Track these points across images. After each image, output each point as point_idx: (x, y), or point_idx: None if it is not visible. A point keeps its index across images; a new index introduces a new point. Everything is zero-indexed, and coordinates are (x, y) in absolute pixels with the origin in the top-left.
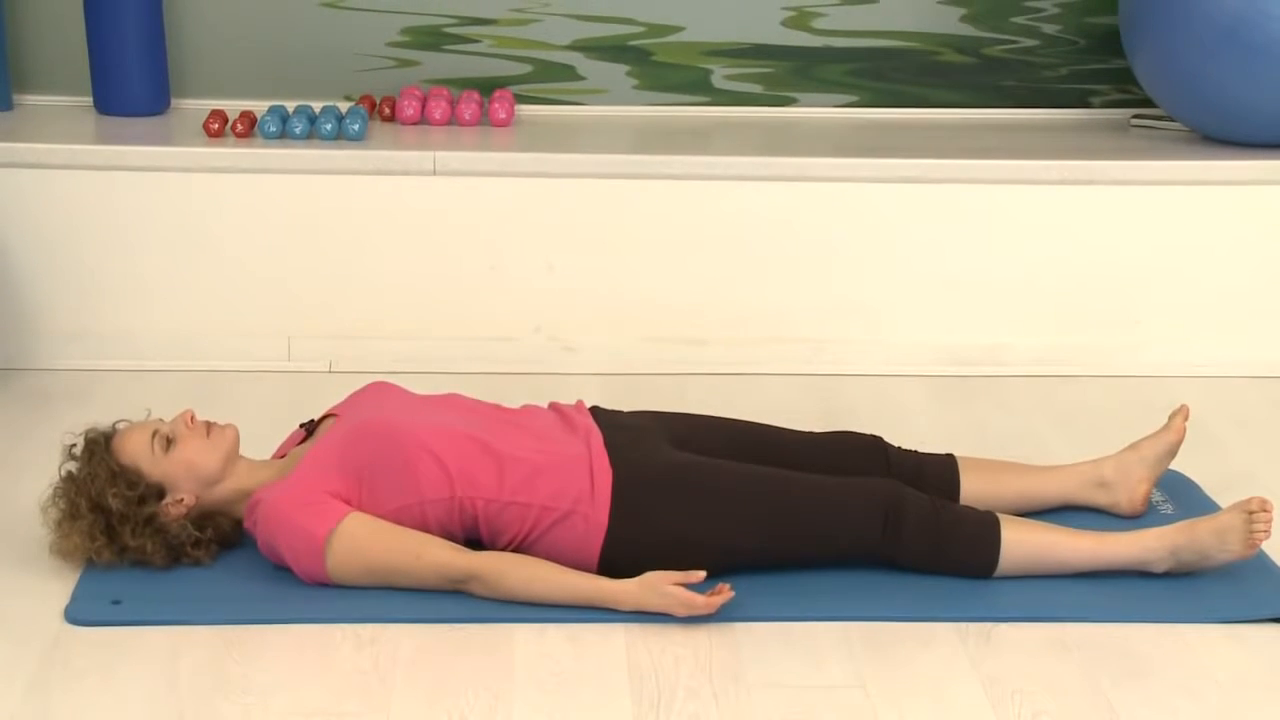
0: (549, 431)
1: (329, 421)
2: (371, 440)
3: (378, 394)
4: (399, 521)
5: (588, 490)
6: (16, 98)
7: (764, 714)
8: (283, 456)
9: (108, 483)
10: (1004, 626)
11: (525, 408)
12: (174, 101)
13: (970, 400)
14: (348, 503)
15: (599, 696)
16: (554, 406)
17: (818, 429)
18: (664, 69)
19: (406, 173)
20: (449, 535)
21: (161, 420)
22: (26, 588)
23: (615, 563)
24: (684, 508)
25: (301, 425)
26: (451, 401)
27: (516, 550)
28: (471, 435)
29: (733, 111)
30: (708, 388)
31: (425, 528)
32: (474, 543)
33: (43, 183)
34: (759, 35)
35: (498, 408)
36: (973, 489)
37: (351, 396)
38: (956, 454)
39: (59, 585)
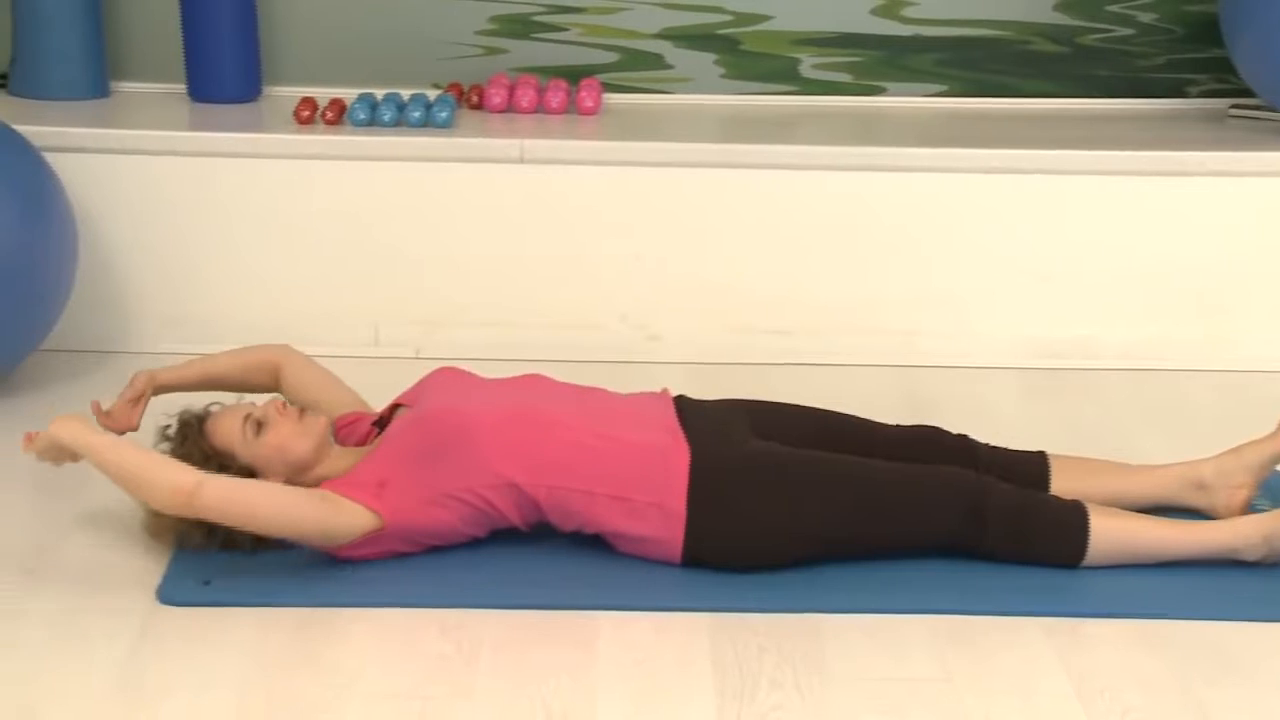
0: (628, 417)
1: (400, 411)
2: (434, 427)
3: (445, 380)
4: (461, 507)
5: (665, 479)
6: (113, 85)
7: (848, 706)
8: (361, 444)
9: (200, 465)
10: (1092, 621)
11: (607, 393)
12: (265, 89)
13: (1060, 394)
14: (402, 491)
15: (682, 686)
16: (637, 393)
17: (904, 422)
18: (752, 58)
19: (493, 160)
20: (510, 522)
21: (253, 404)
22: (122, 566)
23: (701, 553)
24: (768, 497)
25: (373, 424)
26: (528, 383)
27: (598, 536)
28: (541, 420)
29: (820, 101)
30: (792, 378)
31: (488, 514)
32: (545, 529)
33: (137, 169)
34: (848, 24)
35: (579, 390)
36: (1063, 488)
37: (418, 384)
38: (1047, 451)
39: (152, 564)
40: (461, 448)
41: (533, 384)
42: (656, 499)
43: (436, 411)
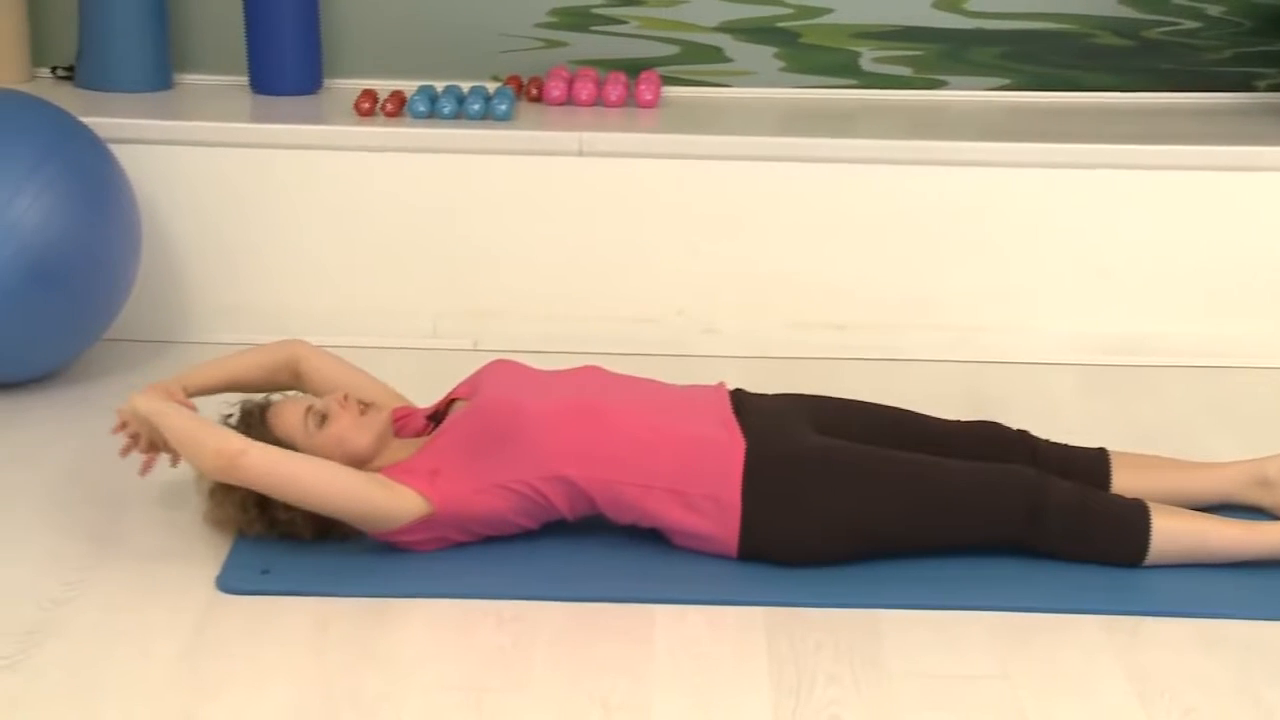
0: (684, 410)
1: (457, 405)
2: (489, 418)
3: (501, 372)
4: (512, 497)
5: (720, 472)
6: (177, 78)
7: (905, 702)
8: (418, 438)
9: None
10: (1153, 620)
11: (663, 385)
12: (326, 81)
13: (1121, 390)
14: (454, 479)
15: (738, 680)
16: (692, 385)
17: (963, 417)
18: (812, 51)
19: (552, 153)
20: (560, 514)
21: (315, 396)
22: (182, 554)
23: (757, 547)
24: (826, 491)
25: (429, 418)
26: (584, 375)
27: (653, 529)
28: (596, 413)
29: (881, 94)
30: (851, 373)
31: (539, 504)
32: (603, 522)
33: (200, 160)
34: (909, 17)
35: (635, 382)
36: (1124, 485)
37: (473, 376)
38: (1108, 448)
39: (212, 553)
40: (516, 439)
41: (589, 375)
42: (711, 492)
43: (492, 403)
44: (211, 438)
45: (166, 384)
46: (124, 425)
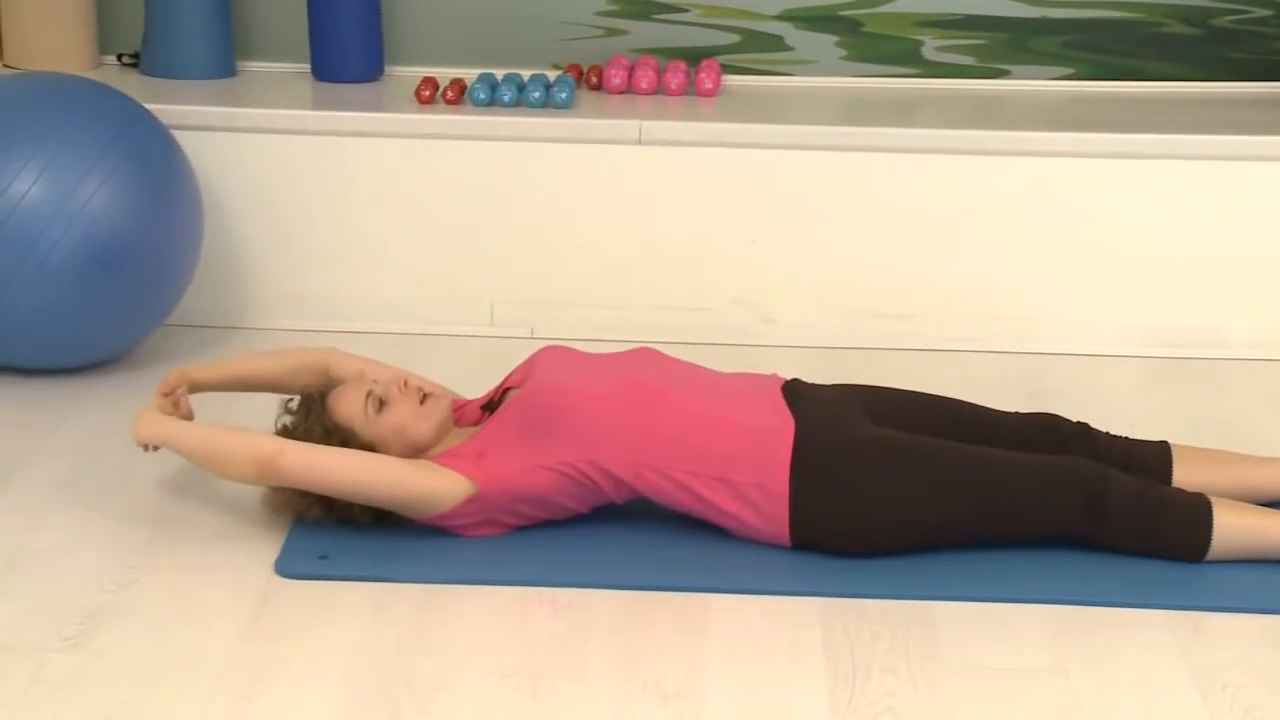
0: (734, 398)
1: (511, 394)
2: (537, 402)
3: (552, 358)
4: (558, 478)
5: (768, 459)
6: (240, 65)
7: (962, 695)
8: (476, 424)
9: (321, 440)
10: (1215, 616)
11: (714, 372)
12: (388, 69)
13: (1184, 384)
14: (500, 460)
15: (793, 670)
16: (744, 373)
17: (1022, 409)
18: (874, 40)
19: (612, 141)
20: (609, 497)
21: (375, 382)
22: (241, 538)
23: (811, 537)
24: (881, 482)
25: (482, 408)
26: (636, 358)
27: (701, 520)
28: (646, 398)
29: (943, 84)
30: (909, 363)
31: (586, 487)
32: (658, 510)
33: (261, 147)
34: (972, 5)
35: (686, 367)
36: (1187, 479)
37: (525, 363)
38: (1170, 441)
39: (271, 537)
40: (562, 421)
41: (640, 358)
42: (760, 480)
43: (541, 388)
44: (241, 446)
45: (167, 386)
46: (146, 448)
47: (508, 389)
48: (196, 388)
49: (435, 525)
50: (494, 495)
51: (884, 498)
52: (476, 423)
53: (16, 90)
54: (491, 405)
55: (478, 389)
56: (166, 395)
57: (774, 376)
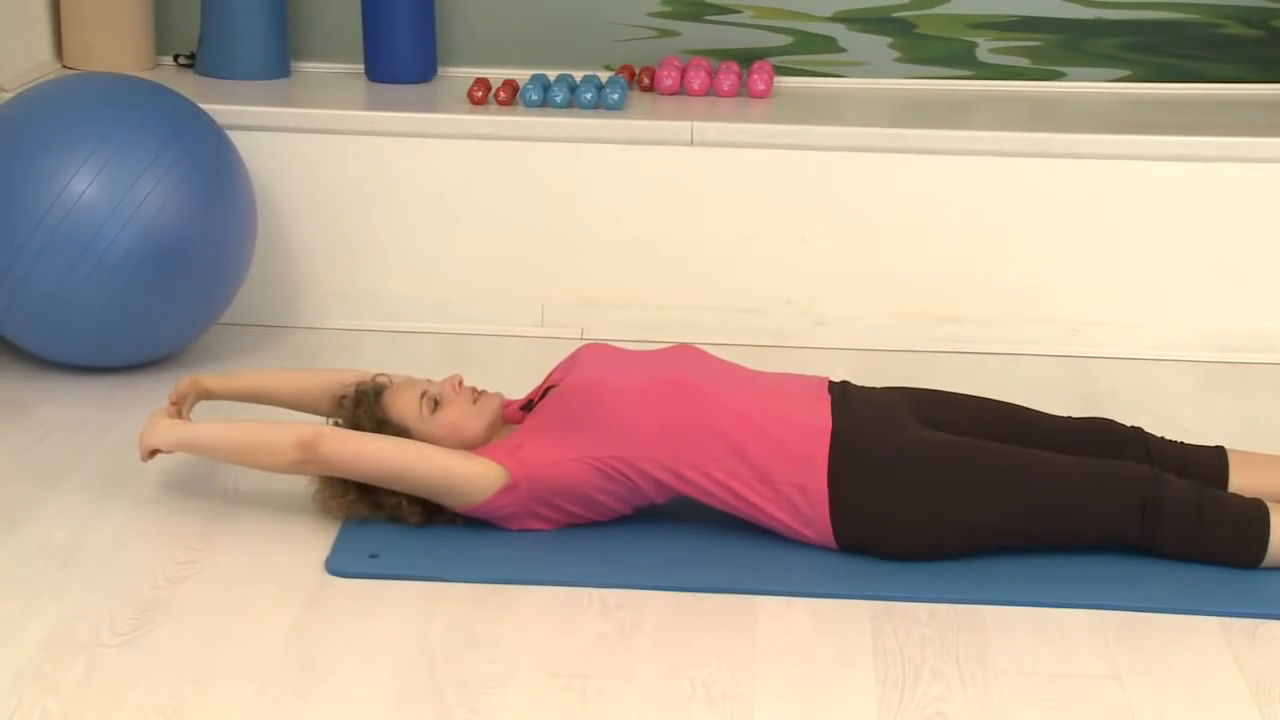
0: (774, 397)
1: (553, 390)
2: (575, 397)
3: (592, 354)
4: (593, 473)
5: (805, 459)
6: (294, 65)
7: (1012, 700)
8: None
9: (370, 432)
10: (1272, 624)
11: (757, 372)
12: (440, 70)
13: (1241, 389)
14: (535, 451)
15: (842, 673)
16: (787, 373)
17: (1075, 413)
18: (927, 41)
19: (664, 143)
20: (646, 495)
21: (430, 381)
22: (292, 536)
23: (858, 539)
24: (931, 484)
25: (522, 408)
26: (677, 355)
27: (747, 522)
28: (683, 389)
29: (997, 86)
30: (960, 366)
31: (622, 483)
32: (700, 509)
33: (315, 147)
34: (1027, 7)
35: (727, 367)
36: (1243, 484)
37: (567, 360)
38: (1226, 446)
39: (321, 535)
40: (599, 415)
41: (680, 355)
42: (798, 480)
43: (580, 382)
44: (281, 431)
45: (178, 394)
46: (154, 454)
47: (549, 387)
48: (209, 396)
49: (476, 516)
50: (527, 485)
51: (934, 500)
52: (520, 421)
53: (75, 90)
54: (531, 404)
55: (527, 389)
56: (175, 403)
57: (820, 378)
